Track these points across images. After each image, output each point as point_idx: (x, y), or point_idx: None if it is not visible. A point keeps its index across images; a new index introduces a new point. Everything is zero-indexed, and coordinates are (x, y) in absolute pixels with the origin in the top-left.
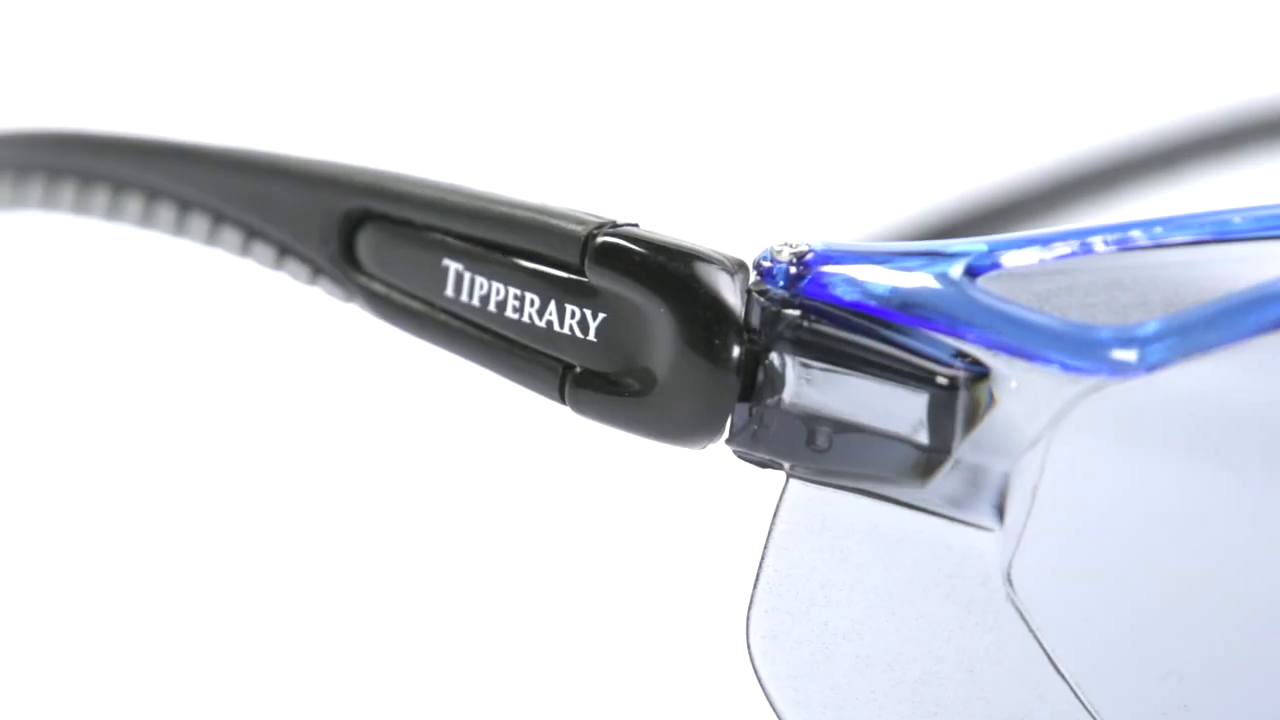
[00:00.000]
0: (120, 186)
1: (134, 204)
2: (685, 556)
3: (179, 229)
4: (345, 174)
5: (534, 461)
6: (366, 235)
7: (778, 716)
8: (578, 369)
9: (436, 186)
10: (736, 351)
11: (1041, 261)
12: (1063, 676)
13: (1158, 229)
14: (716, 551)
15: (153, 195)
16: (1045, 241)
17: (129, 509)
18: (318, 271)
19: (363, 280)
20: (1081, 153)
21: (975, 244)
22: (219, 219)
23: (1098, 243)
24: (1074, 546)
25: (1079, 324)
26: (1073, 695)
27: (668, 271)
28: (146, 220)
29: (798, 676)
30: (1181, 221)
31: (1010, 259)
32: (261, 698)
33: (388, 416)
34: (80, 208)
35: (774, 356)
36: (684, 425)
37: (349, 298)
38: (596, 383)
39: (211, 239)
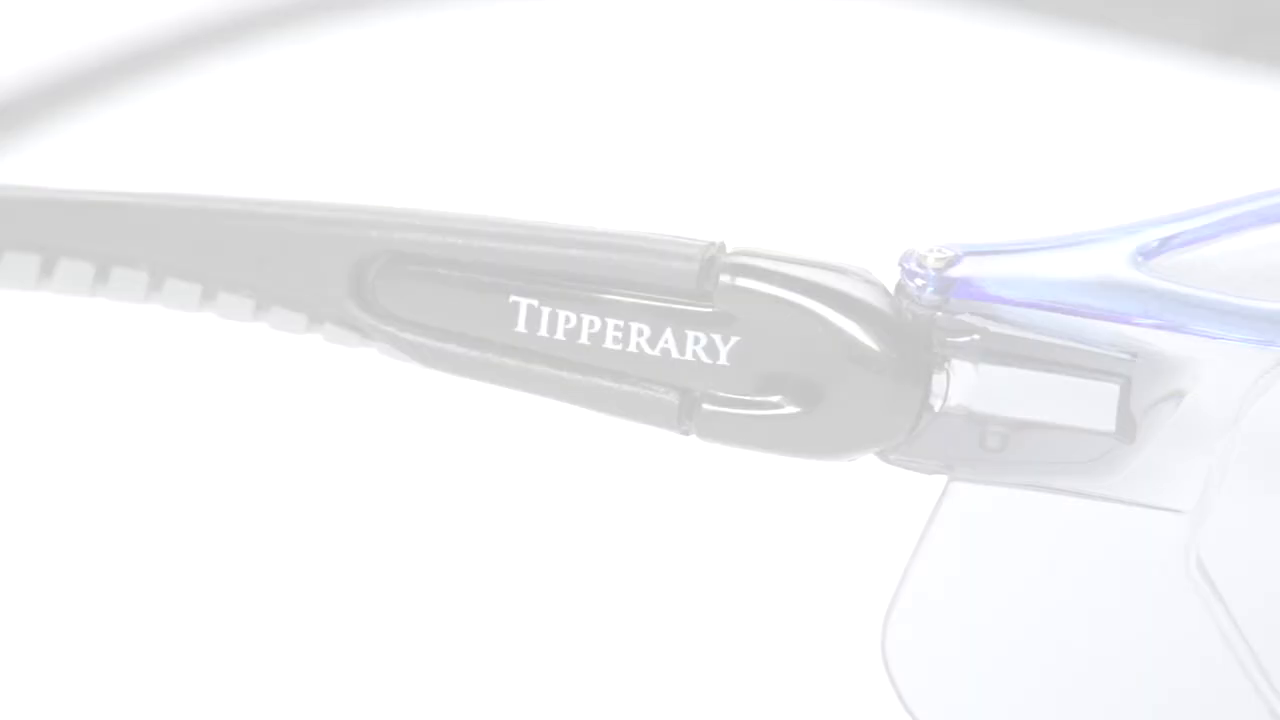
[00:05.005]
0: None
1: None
2: (792, 569)
3: (95, 290)
4: (350, 218)
5: (647, 480)
6: (390, 278)
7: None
8: (702, 394)
9: (486, 221)
10: (906, 361)
11: (1208, 240)
12: (1238, 653)
13: None
14: (817, 562)
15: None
16: (1208, 217)
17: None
18: (316, 320)
19: (390, 326)
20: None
21: (1136, 228)
22: (159, 273)
23: (1262, 214)
24: (1260, 521)
25: (1259, 300)
26: (1244, 671)
27: (820, 288)
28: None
29: (938, 678)
30: None
31: (1175, 240)
32: None
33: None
34: None
35: (943, 362)
36: (852, 440)
37: (364, 343)
38: (734, 406)
39: (149, 297)
